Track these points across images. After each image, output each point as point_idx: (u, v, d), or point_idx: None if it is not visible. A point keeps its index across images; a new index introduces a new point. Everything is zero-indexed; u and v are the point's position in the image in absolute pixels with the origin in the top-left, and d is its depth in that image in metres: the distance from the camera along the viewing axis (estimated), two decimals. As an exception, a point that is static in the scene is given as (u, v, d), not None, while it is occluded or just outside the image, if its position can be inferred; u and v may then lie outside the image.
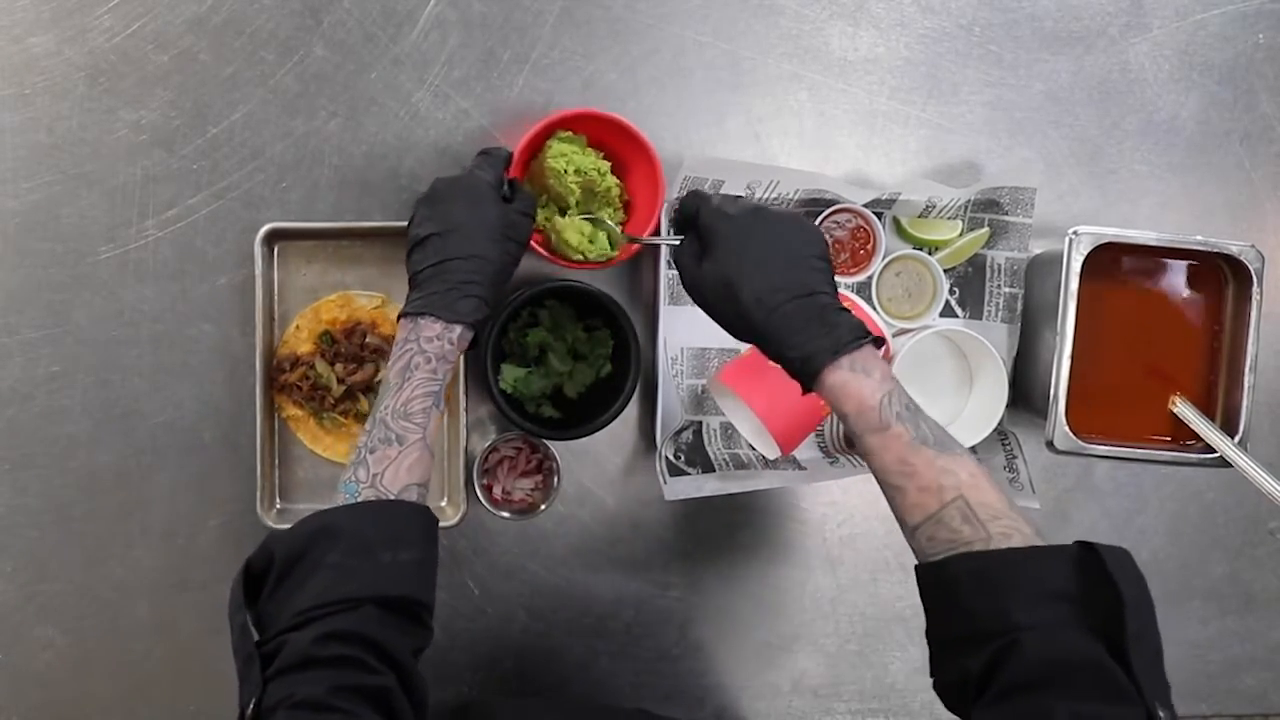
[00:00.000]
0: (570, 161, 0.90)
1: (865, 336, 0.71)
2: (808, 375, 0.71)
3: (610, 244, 0.90)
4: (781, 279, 0.72)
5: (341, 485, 0.73)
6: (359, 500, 0.71)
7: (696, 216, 0.77)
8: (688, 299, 0.98)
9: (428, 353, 0.76)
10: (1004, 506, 0.66)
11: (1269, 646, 1.07)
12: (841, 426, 1.02)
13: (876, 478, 0.71)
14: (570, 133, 0.92)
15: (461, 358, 0.94)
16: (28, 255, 0.94)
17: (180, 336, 0.96)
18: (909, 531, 0.69)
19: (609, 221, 0.90)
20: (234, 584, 0.68)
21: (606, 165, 0.92)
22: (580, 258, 0.89)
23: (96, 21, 0.94)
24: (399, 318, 0.78)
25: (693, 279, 0.77)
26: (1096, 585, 0.62)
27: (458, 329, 0.77)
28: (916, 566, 0.69)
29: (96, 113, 0.94)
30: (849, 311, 0.73)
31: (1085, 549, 0.63)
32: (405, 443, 0.73)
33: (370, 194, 0.96)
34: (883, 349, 0.88)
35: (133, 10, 0.94)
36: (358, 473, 0.72)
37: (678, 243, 0.79)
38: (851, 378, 0.69)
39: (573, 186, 0.90)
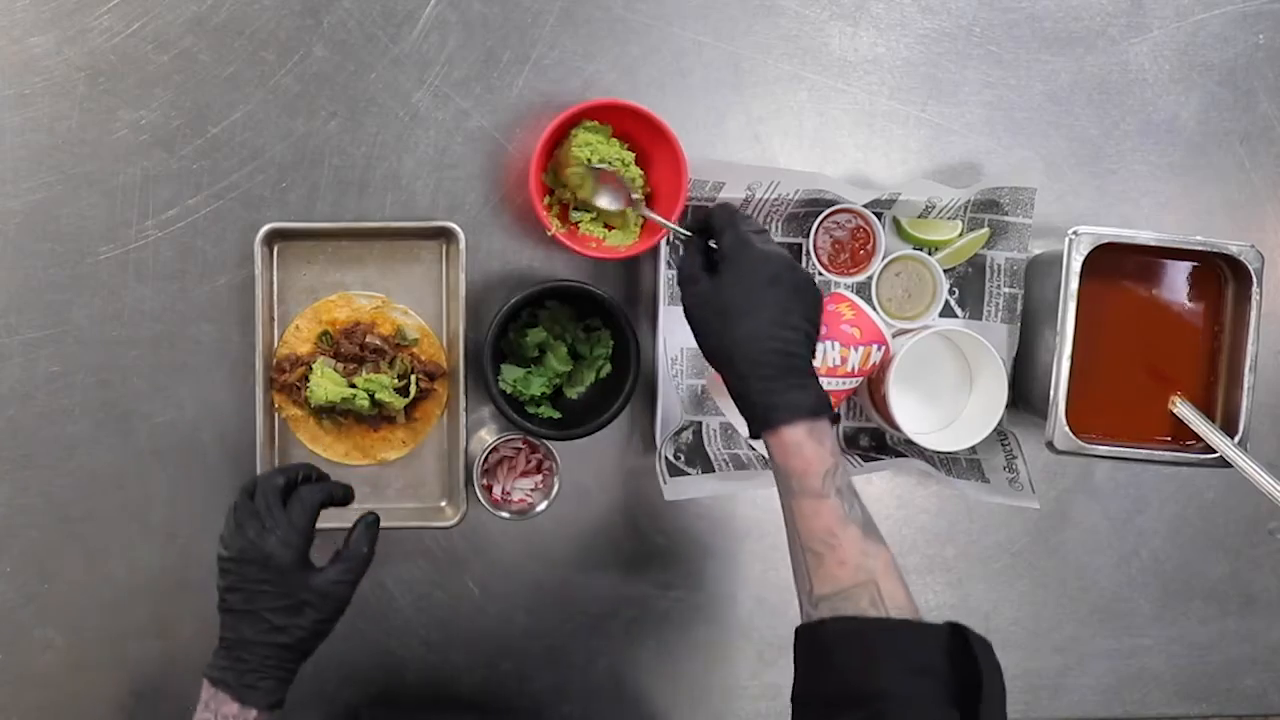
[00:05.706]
0: (595, 151, 0.90)
1: (830, 412, 0.75)
2: (767, 422, 0.73)
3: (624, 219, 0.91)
4: (778, 329, 0.75)
5: None
6: None
7: (721, 232, 0.79)
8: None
9: None
10: (909, 603, 0.69)
11: (1269, 646, 1.07)
12: (840, 427, 1.02)
13: (793, 542, 0.73)
14: (596, 122, 0.92)
15: (461, 357, 0.95)
16: (28, 255, 0.94)
17: (180, 336, 0.96)
18: (812, 600, 0.71)
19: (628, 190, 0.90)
20: None
21: (631, 156, 0.92)
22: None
23: (96, 21, 0.93)
24: (205, 672, 0.78)
25: (694, 287, 0.79)
26: (960, 668, 0.65)
27: (253, 712, 0.76)
28: (797, 629, 0.72)
29: (96, 113, 0.94)
30: (819, 384, 0.76)
31: (955, 632, 0.67)
32: None
33: (370, 194, 0.96)
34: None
35: (133, 10, 0.94)
36: None
37: (685, 236, 0.81)
38: (808, 441, 0.72)
39: (589, 177, 0.91)
